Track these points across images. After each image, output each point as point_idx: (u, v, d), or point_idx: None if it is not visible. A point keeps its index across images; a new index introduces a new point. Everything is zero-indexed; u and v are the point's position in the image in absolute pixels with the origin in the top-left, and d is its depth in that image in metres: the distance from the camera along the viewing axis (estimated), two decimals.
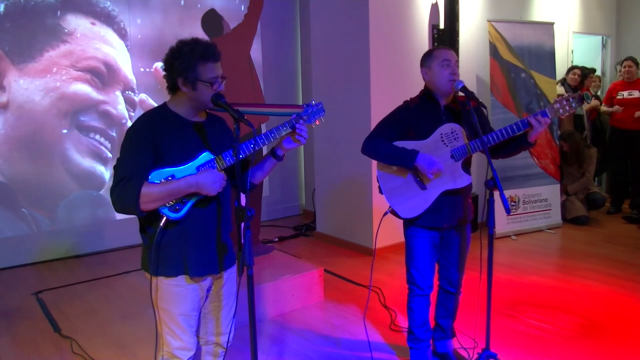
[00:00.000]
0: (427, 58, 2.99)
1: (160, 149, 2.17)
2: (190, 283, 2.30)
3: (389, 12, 5.52)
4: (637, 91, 6.86)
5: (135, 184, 2.10)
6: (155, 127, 2.19)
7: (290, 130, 2.36)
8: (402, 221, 3.14)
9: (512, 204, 6.16)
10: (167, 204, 2.17)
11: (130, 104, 5.97)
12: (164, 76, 2.25)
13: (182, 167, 2.19)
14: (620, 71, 7.26)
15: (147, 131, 2.18)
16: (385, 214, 3.07)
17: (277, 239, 6.24)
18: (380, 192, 3.06)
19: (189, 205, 2.21)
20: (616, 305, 4.18)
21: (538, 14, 7.25)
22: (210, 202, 2.28)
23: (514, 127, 2.75)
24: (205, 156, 2.23)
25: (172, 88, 2.25)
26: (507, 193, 6.04)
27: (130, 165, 2.14)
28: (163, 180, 2.16)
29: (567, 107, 2.70)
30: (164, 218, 2.18)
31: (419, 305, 3.14)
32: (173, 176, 2.17)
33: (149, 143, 2.16)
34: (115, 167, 2.19)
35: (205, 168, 2.21)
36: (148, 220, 2.22)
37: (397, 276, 3.50)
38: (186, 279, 2.28)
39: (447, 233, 3.08)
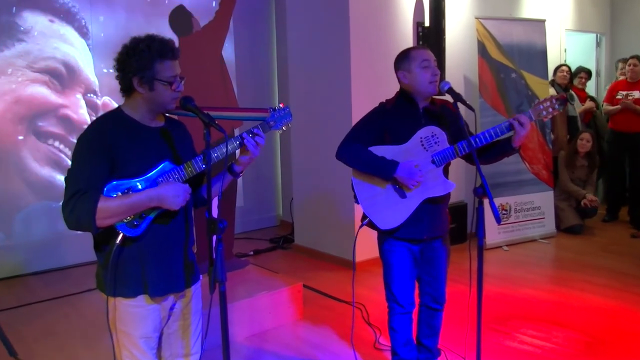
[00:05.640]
0: (403, 60, 2.96)
1: (116, 159, 2.12)
2: (150, 303, 2.26)
3: (371, 8, 5.56)
4: (638, 92, 6.90)
5: (91, 198, 2.04)
6: (110, 134, 2.14)
7: (242, 144, 2.29)
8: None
9: (503, 212, 6.20)
10: (124, 220, 2.12)
11: (92, 107, 5.91)
12: (117, 77, 2.20)
13: (141, 178, 2.15)
14: (622, 69, 7.28)
15: (102, 139, 2.13)
16: (362, 225, 3.03)
17: (252, 253, 6.22)
18: (356, 201, 3.02)
19: (147, 221, 2.17)
20: (616, 318, 4.22)
21: (529, 10, 7.35)
22: (170, 216, 2.24)
23: (497, 129, 2.78)
24: (165, 166, 2.20)
25: (127, 90, 2.21)
26: (498, 201, 6.08)
27: (84, 177, 2.08)
28: (120, 194, 2.11)
29: (551, 109, 2.75)
30: (121, 234, 2.14)
31: (401, 324, 3.13)
32: (131, 189, 2.13)
33: (105, 152, 2.11)
34: (66, 179, 2.12)
35: (167, 180, 2.17)
36: (103, 237, 2.17)
37: (380, 291, 3.52)
38: (146, 299, 2.25)
39: (427, 245, 3.07)
